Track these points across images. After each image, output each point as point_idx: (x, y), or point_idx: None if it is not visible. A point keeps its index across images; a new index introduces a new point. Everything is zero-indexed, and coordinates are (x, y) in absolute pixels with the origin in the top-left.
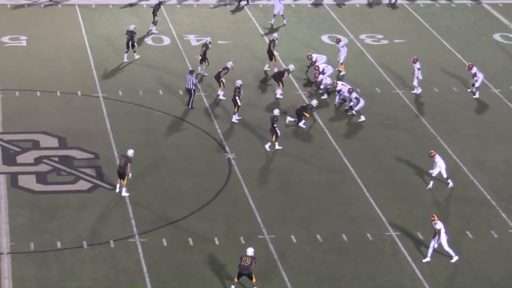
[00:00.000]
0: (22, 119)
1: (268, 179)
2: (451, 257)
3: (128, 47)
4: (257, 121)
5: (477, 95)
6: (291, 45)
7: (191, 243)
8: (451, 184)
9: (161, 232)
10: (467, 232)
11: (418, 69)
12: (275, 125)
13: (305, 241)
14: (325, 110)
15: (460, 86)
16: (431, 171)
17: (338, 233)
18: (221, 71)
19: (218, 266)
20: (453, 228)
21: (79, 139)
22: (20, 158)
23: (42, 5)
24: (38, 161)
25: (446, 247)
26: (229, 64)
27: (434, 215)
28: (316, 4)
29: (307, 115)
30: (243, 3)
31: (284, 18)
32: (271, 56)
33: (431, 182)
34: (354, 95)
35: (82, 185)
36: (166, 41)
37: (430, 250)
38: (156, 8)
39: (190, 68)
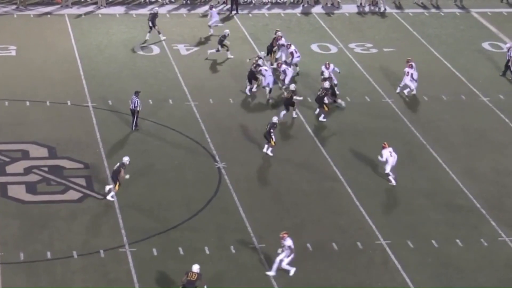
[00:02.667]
0: (11, 129)
1: (258, 188)
2: (288, 272)
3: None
4: (247, 130)
5: (409, 91)
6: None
7: (181, 252)
8: (392, 182)
9: (152, 242)
10: (457, 241)
11: (407, 72)
12: (271, 131)
13: (296, 250)
14: (315, 119)
15: (449, 94)
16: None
17: (328, 242)
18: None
19: (208, 276)
20: (443, 236)
21: (69, 149)
22: (9, 168)
23: (32, 15)
24: (27, 171)
25: (284, 264)
26: (261, 54)
27: (285, 232)
28: (306, 13)
29: (326, 108)
30: (233, 12)
31: (211, 29)
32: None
33: (391, 177)
34: (282, 67)
35: (72, 195)
36: (156, 50)
37: (275, 265)
38: (152, 18)
39: (138, 90)
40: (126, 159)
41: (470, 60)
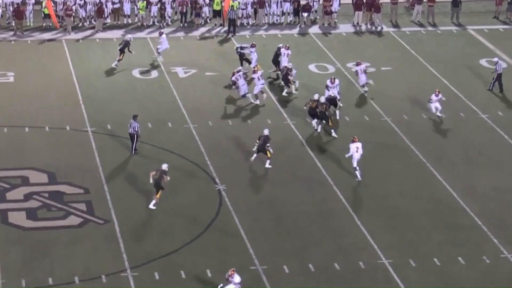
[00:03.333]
0: (11, 155)
1: (259, 210)
2: None
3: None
4: (246, 152)
5: (366, 87)
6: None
7: (183, 276)
8: (358, 177)
9: (153, 266)
10: (459, 258)
11: (356, 71)
12: (267, 144)
13: (298, 271)
14: (314, 138)
15: (448, 112)
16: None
17: (330, 262)
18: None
19: None
20: (445, 254)
21: (68, 174)
22: (9, 195)
23: (29, 41)
24: (28, 197)
25: None
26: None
27: (232, 269)
28: (303, 34)
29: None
30: (230, 34)
31: (160, 56)
32: None
33: (357, 173)
34: (233, 77)
35: (73, 220)
36: (154, 74)
37: None
38: (124, 45)
39: (136, 114)
40: (165, 166)
41: (468, 78)
